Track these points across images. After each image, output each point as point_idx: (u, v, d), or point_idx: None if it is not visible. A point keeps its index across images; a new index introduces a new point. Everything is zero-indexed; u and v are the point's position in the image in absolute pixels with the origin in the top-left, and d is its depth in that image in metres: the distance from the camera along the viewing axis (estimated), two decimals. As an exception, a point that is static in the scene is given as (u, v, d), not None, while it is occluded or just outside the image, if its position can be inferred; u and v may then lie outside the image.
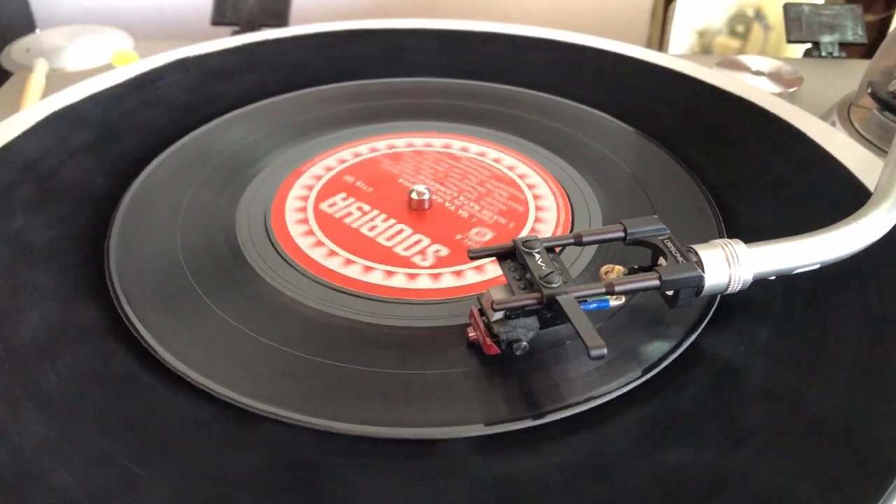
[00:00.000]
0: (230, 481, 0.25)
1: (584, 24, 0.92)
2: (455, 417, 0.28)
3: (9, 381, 0.28)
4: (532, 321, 0.29)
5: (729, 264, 0.30)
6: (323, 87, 0.51)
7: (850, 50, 0.70)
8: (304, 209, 0.39)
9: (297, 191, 0.41)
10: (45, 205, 0.38)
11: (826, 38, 0.69)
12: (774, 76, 0.63)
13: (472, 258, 0.31)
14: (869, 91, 0.53)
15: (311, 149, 0.44)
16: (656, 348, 0.31)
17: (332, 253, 0.36)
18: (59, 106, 0.46)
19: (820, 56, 0.69)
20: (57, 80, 0.61)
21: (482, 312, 0.29)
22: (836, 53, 0.69)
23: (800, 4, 0.71)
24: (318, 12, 0.86)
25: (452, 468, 0.26)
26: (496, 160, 0.44)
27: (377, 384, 0.29)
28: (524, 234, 0.38)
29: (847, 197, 0.39)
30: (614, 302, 0.30)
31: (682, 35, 0.90)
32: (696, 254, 0.30)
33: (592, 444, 0.27)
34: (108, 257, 0.35)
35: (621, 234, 0.31)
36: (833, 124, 0.55)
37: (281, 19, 0.70)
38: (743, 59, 0.65)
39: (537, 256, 0.29)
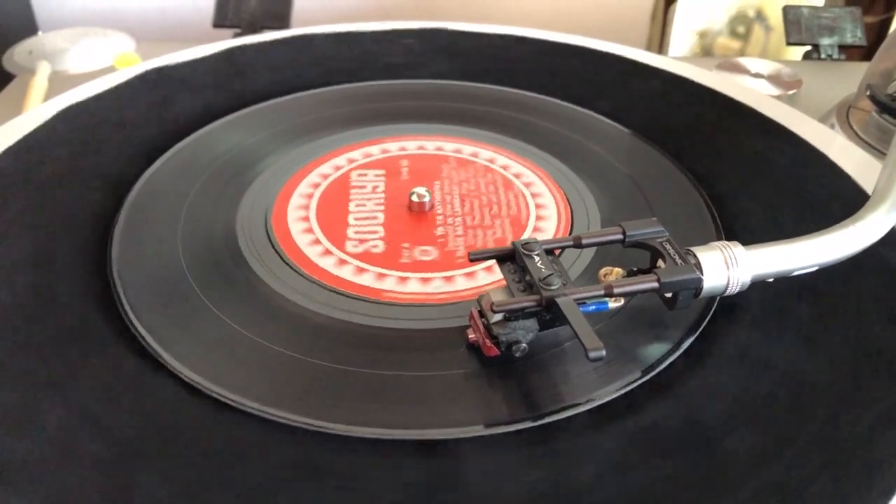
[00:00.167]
0: (229, 483, 0.25)
1: (584, 26, 0.92)
2: (454, 419, 0.28)
3: (7, 380, 0.29)
4: (531, 323, 0.29)
5: (727, 266, 0.30)
6: (322, 90, 0.51)
7: (849, 52, 0.70)
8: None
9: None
10: (47, 207, 0.39)
11: (825, 41, 0.70)
12: (773, 79, 0.63)
13: (472, 260, 0.31)
14: (868, 94, 0.53)
15: (312, 152, 0.45)
16: (655, 350, 0.31)
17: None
18: (61, 108, 0.46)
19: (819, 58, 0.69)
20: (59, 82, 0.61)
21: (482, 314, 0.30)
22: (835, 56, 0.69)
23: (799, 7, 0.71)
24: (319, 14, 0.86)
25: (451, 469, 0.26)
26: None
27: (377, 386, 0.29)
28: (524, 236, 0.38)
29: (846, 199, 0.39)
30: (613, 304, 0.30)
31: (682, 36, 0.90)
32: (695, 256, 0.30)
33: (591, 445, 0.27)
34: (111, 259, 0.35)
35: (620, 236, 0.31)
36: (832, 127, 0.55)
37: (282, 21, 0.71)
38: (742, 61, 0.66)
39: (536, 258, 0.30)
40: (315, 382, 0.29)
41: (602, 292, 0.29)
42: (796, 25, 0.70)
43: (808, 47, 0.71)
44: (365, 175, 0.43)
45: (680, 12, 0.88)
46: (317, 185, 0.41)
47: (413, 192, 0.39)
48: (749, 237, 0.31)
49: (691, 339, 0.31)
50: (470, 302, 0.32)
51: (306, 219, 0.39)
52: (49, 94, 0.59)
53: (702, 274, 0.29)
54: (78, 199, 0.40)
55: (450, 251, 0.37)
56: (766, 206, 0.40)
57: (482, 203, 0.40)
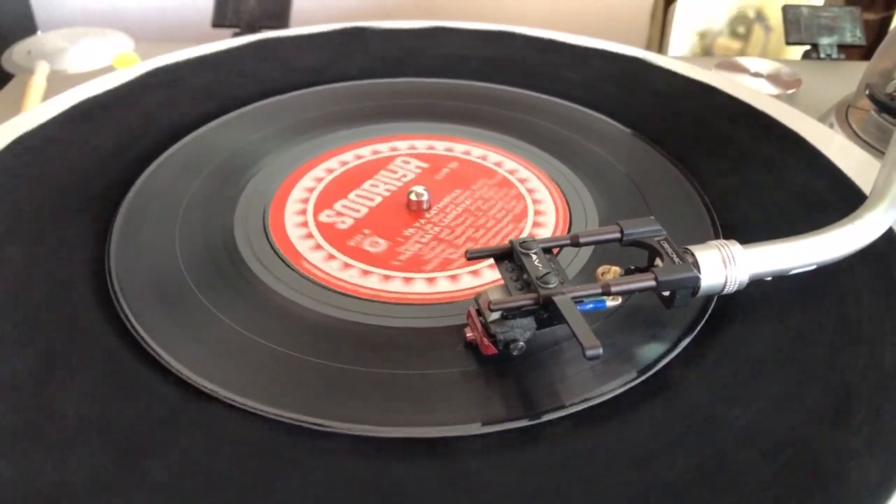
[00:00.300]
0: (228, 481, 0.25)
1: (583, 26, 0.92)
2: (452, 417, 0.28)
3: (5, 381, 0.29)
4: (529, 321, 0.29)
5: (725, 265, 0.30)
6: (320, 88, 0.51)
7: (848, 52, 0.70)
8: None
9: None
10: (44, 206, 0.39)
11: (825, 40, 0.70)
12: (773, 78, 0.63)
13: (470, 259, 0.31)
14: (867, 93, 0.53)
15: (310, 151, 0.45)
16: (653, 349, 0.31)
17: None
18: (60, 108, 0.46)
19: (818, 58, 0.69)
20: (58, 82, 0.61)
21: (479, 313, 0.30)
22: (834, 55, 0.69)
23: (798, 6, 0.71)
24: (318, 14, 0.86)
25: (449, 468, 0.26)
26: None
27: (375, 384, 0.29)
28: (523, 235, 0.38)
29: (844, 198, 0.39)
30: (611, 302, 0.30)
31: (682, 36, 0.90)
32: (693, 255, 0.30)
33: (589, 444, 0.27)
34: (109, 259, 0.35)
35: (618, 235, 0.31)
36: (831, 126, 0.55)
37: (281, 21, 0.71)
38: (741, 60, 0.66)
39: (534, 257, 0.30)
40: (312, 381, 0.29)
41: (599, 291, 0.29)
42: (796, 25, 0.70)
43: (808, 47, 0.71)
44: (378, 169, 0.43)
45: (679, 12, 0.88)
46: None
47: (411, 192, 0.39)
48: (747, 236, 0.31)
49: (689, 339, 0.31)
50: (466, 301, 0.32)
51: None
52: (48, 94, 0.59)
53: (699, 273, 0.29)
54: (76, 199, 0.39)
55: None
56: (765, 205, 0.40)
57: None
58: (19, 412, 0.27)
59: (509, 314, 0.29)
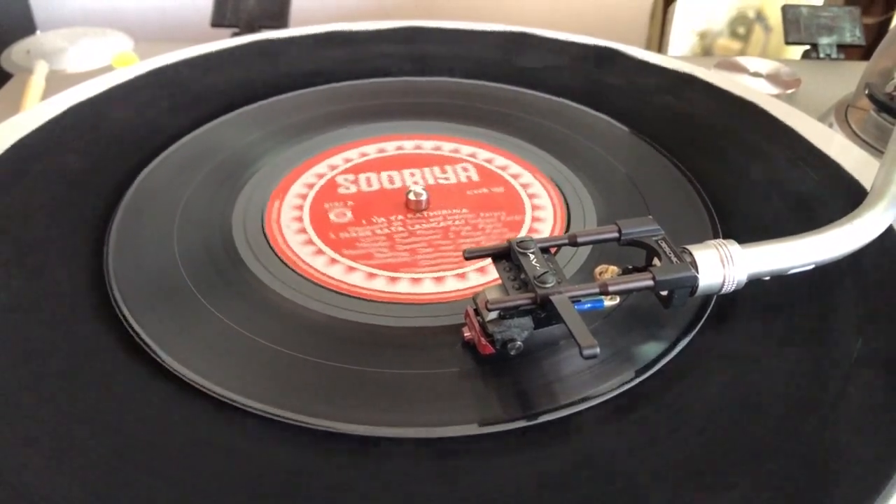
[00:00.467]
0: (228, 483, 0.25)
1: (583, 25, 0.92)
2: (449, 417, 0.28)
3: (3, 382, 0.29)
4: (526, 321, 0.29)
5: (723, 265, 0.30)
6: (319, 88, 0.51)
7: (848, 52, 0.70)
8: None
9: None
10: (42, 207, 0.39)
11: (824, 40, 0.70)
12: (772, 78, 0.63)
13: (468, 258, 0.31)
14: (866, 93, 0.53)
15: (307, 151, 0.44)
16: (651, 349, 0.31)
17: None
18: (59, 108, 0.46)
19: (818, 58, 0.69)
20: (57, 81, 0.61)
21: (477, 312, 0.30)
22: (834, 55, 0.69)
23: (798, 6, 0.71)
24: (318, 13, 0.86)
25: (447, 468, 0.26)
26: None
27: (372, 384, 0.29)
28: (521, 235, 0.38)
29: (844, 198, 0.39)
30: (609, 302, 0.30)
31: (682, 36, 0.90)
32: (691, 254, 0.30)
33: (587, 444, 0.27)
34: (107, 258, 0.35)
35: (616, 234, 0.31)
36: (831, 126, 0.55)
37: (280, 21, 0.71)
38: (741, 60, 0.65)
39: (532, 257, 0.30)
40: (309, 381, 0.29)
41: (597, 290, 0.29)
42: (795, 25, 0.70)
43: (807, 46, 0.71)
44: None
45: (679, 12, 0.88)
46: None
47: (410, 191, 0.39)
48: (746, 235, 0.31)
49: (688, 338, 0.31)
50: (463, 301, 0.32)
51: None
52: (47, 94, 0.59)
53: (697, 272, 0.29)
54: (74, 199, 0.39)
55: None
56: (764, 204, 0.40)
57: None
58: (13, 411, 0.27)
59: (507, 314, 0.29)
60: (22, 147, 0.43)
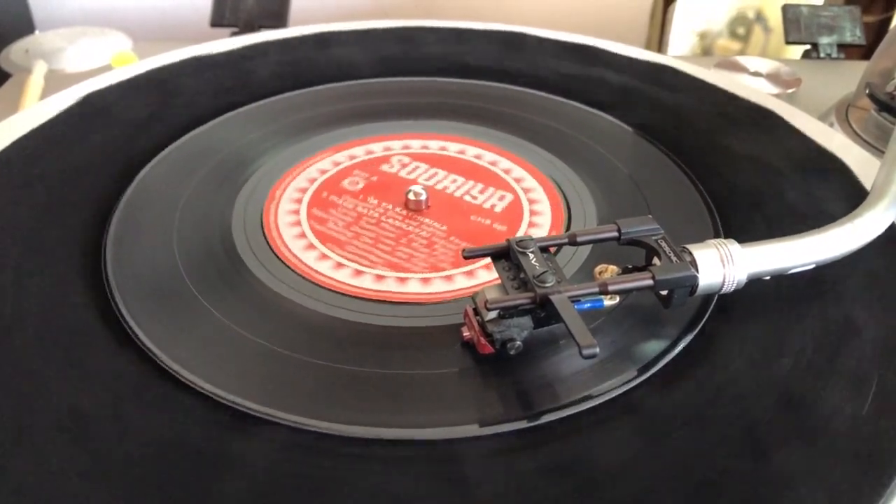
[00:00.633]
0: (228, 484, 0.25)
1: (583, 26, 0.92)
2: (449, 418, 0.28)
3: (3, 383, 0.28)
4: (526, 321, 0.29)
5: (723, 264, 0.30)
6: (318, 88, 0.51)
7: (848, 51, 0.70)
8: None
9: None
10: (41, 206, 0.38)
11: (824, 40, 0.69)
12: (773, 77, 0.63)
13: (467, 258, 0.31)
14: (867, 92, 0.53)
15: (306, 150, 0.44)
16: (652, 348, 0.31)
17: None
18: (58, 108, 0.46)
19: (818, 57, 0.69)
20: (56, 81, 0.61)
21: (476, 312, 0.29)
22: (834, 55, 0.69)
23: (798, 6, 0.71)
24: (317, 13, 0.86)
25: (446, 469, 0.26)
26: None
27: (371, 385, 0.29)
28: (519, 234, 0.38)
29: (844, 197, 0.39)
30: (608, 301, 0.30)
31: (681, 36, 0.90)
32: (691, 254, 0.30)
33: (588, 444, 0.27)
34: (105, 258, 0.35)
35: (615, 233, 0.31)
36: (831, 125, 0.55)
37: (280, 20, 0.71)
38: (741, 60, 0.65)
39: (531, 256, 0.30)
40: (308, 381, 0.29)
41: (597, 290, 0.28)
42: (795, 24, 0.70)
43: (808, 46, 0.71)
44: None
45: (679, 13, 0.88)
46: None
47: (409, 191, 0.39)
48: (746, 235, 0.31)
49: (689, 338, 0.31)
50: (463, 300, 0.32)
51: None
52: (45, 93, 0.59)
53: (697, 272, 0.29)
54: (73, 198, 0.39)
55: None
56: (764, 203, 0.40)
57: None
58: (14, 413, 0.27)
59: (506, 313, 0.29)
60: (20, 146, 0.43)
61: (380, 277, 0.35)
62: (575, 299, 0.28)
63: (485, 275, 0.35)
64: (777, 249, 0.31)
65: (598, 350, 0.26)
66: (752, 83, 0.61)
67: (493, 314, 0.29)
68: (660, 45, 0.93)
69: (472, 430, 0.27)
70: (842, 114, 0.56)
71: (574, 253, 0.36)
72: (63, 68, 0.65)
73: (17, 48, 0.67)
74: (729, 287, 0.30)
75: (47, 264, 0.35)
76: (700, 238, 0.31)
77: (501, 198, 0.41)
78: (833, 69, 0.67)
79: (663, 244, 0.30)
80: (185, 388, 0.29)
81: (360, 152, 0.44)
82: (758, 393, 0.29)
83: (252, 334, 0.31)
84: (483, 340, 0.29)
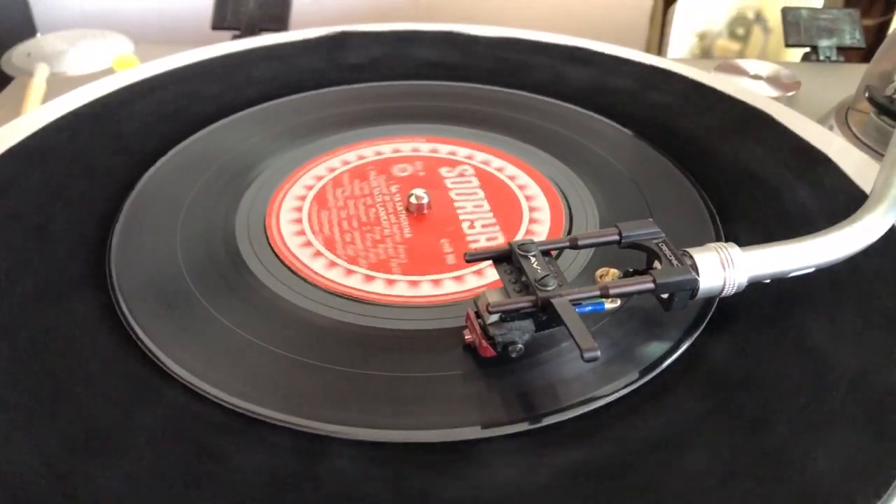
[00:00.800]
0: (229, 486, 0.25)
1: (583, 27, 0.92)
2: (451, 420, 0.28)
3: (5, 384, 0.29)
4: (527, 324, 0.29)
5: (723, 267, 0.30)
6: (319, 91, 0.51)
7: (848, 54, 0.70)
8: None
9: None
10: (43, 210, 0.39)
11: (824, 42, 0.70)
12: (772, 80, 0.63)
13: (469, 261, 0.31)
14: (866, 95, 0.53)
15: (307, 153, 0.44)
16: (653, 350, 0.31)
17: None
18: (60, 111, 0.46)
19: (818, 60, 0.69)
20: (58, 84, 0.61)
21: (478, 315, 0.30)
22: (833, 57, 0.69)
23: (798, 8, 0.71)
24: (318, 16, 0.86)
25: (449, 472, 0.26)
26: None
27: (373, 387, 0.29)
28: (518, 237, 0.38)
29: (844, 201, 0.39)
30: (609, 305, 0.30)
31: (681, 38, 0.90)
32: (691, 257, 0.30)
33: (589, 446, 0.27)
34: (109, 262, 0.35)
35: (616, 237, 0.31)
36: (831, 128, 0.55)
37: (281, 23, 0.71)
38: (741, 62, 0.66)
39: (533, 259, 0.30)
40: (311, 385, 0.29)
41: (598, 293, 0.29)
42: (795, 27, 0.70)
43: (807, 49, 0.71)
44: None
45: (679, 14, 0.88)
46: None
47: (411, 195, 0.39)
48: (747, 238, 0.31)
49: (690, 340, 0.31)
50: (464, 303, 0.32)
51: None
52: (47, 97, 0.59)
53: (698, 275, 0.29)
54: (76, 203, 0.39)
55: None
56: (765, 207, 0.40)
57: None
58: (14, 413, 0.27)
59: (508, 316, 0.29)
60: (23, 150, 0.43)
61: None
62: (576, 302, 0.28)
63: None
64: (777, 253, 0.31)
65: (599, 353, 0.26)
66: (751, 86, 0.61)
67: (494, 317, 0.29)
68: (660, 46, 0.93)
69: (476, 432, 0.27)
70: (841, 117, 0.56)
71: (575, 256, 0.36)
72: (65, 71, 0.65)
73: (18, 51, 0.68)
74: (729, 290, 0.30)
75: (51, 268, 0.35)
76: (700, 241, 0.31)
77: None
78: (832, 72, 0.67)
79: (664, 248, 0.30)
80: (190, 393, 0.29)
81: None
82: (757, 393, 0.29)
83: (256, 337, 0.31)
84: (485, 343, 0.29)
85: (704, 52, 0.91)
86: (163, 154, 0.44)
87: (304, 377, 0.30)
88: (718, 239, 0.37)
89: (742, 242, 0.31)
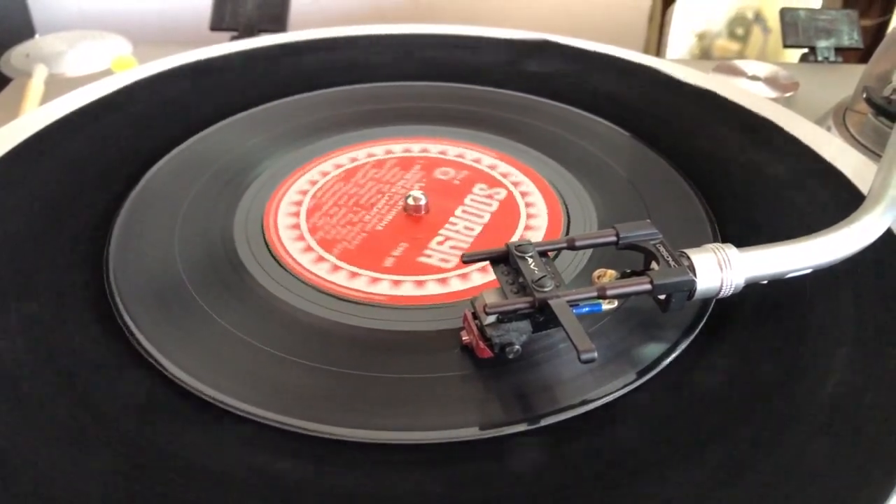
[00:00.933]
0: (230, 487, 0.25)
1: (581, 28, 0.92)
2: (448, 421, 0.28)
3: (5, 386, 0.29)
4: (525, 325, 0.29)
5: (721, 268, 0.30)
6: (318, 93, 0.51)
7: (846, 55, 0.70)
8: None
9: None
10: (42, 213, 0.39)
11: (822, 43, 0.70)
12: (770, 81, 0.63)
13: (466, 262, 0.31)
14: (864, 96, 0.53)
15: (305, 155, 0.45)
16: (651, 351, 0.31)
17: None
18: (59, 112, 0.46)
19: (816, 61, 0.70)
20: (56, 85, 0.61)
21: (475, 316, 0.30)
22: (832, 58, 0.69)
23: (796, 9, 0.71)
24: (316, 17, 0.86)
25: (446, 472, 0.26)
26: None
27: (371, 388, 0.29)
28: (514, 238, 0.38)
29: (842, 201, 0.39)
30: (607, 306, 0.30)
31: (680, 38, 0.90)
32: (689, 258, 0.30)
33: (587, 446, 0.27)
34: (108, 263, 0.35)
35: (613, 238, 0.31)
36: (828, 129, 0.55)
37: (280, 24, 0.71)
38: (739, 63, 0.66)
39: (530, 260, 0.30)
40: (309, 386, 0.29)
41: (595, 294, 0.29)
42: (793, 28, 0.70)
43: (805, 49, 0.71)
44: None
45: (678, 14, 0.88)
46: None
47: (409, 196, 0.39)
48: (744, 239, 0.31)
49: (688, 341, 0.31)
50: (461, 303, 0.32)
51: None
52: (46, 98, 0.59)
53: (695, 276, 0.29)
54: (75, 203, 0.39)
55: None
56: (762, 207, 0.40)
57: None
58: (14, 414, 0.27)
59: (505, 317, 0.29)
60: (22, 151, 0.43)
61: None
62: (573, 303, 0.28)
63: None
64: (774, 254, 0.31)
65: (596, 354, 0.26)
66: (749, 87, 0.62)
67: (491, 318, 0.29)
68: (658, 46, 0.93)
69: (473, 433, 0.27)
70: (839, 118, 0.56)
71: (573, 257, 0.36)
72: (63, 72, 0.65)
73: (17, 52, 0.68)
74: (727, 291, 0.30)
75: (49, 270, 0.35)
76: (698, 242, 0.31)
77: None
78: (830, 73, 0.67)
79: (661, 248, 0.30)
80: (188, 395, 0.29)
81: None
82: (755, 394, 0.29)
83: (253, 338, 0.31)
84: (482, 344, 0.29)
85: (703, 53, 0.91)
86: (161, 156, 0.44)
87: (302, 378, 0.30)
88: (715, 240, 0.37)
89: (739, 243, 0.31)
